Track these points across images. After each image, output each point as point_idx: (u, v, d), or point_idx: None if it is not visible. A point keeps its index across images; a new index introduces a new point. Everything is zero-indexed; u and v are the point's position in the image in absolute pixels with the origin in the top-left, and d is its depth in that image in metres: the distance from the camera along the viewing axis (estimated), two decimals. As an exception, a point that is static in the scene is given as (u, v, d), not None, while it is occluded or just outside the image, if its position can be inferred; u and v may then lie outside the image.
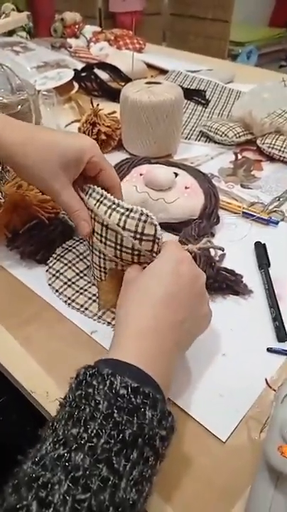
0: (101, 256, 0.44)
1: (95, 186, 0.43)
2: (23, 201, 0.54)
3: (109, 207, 0.41)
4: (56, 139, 0.45)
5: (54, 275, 0.51)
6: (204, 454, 0.35)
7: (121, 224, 0.40)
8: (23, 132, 0.44)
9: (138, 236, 0.39)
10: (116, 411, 0.27)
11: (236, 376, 0.41)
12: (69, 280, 0.50)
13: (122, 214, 0.40)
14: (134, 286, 0.37)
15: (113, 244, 0.41)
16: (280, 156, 0.77)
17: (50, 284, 0.50)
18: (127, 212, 0.40)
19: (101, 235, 0.42)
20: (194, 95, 0.99)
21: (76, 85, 1.00)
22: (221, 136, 0.81)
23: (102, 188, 0.44)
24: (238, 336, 0.45)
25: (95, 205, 0.42)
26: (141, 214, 0.39)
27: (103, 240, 0.42)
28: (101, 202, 0.42)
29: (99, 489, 0.24)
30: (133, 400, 0.27)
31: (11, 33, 1.34)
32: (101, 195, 0.42)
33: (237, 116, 0.82)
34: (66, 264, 0.52)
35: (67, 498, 0.24)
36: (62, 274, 0.51)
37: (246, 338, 0.45)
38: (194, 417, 0.38)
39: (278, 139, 0.77)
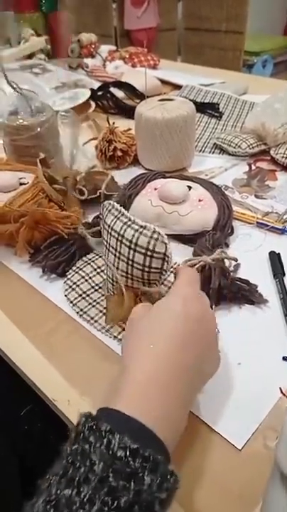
0: (115, 270, 0.45)
1: (114, 203, 0.45)
2: (43, 218, 0.56)
3: (125, 223, 0.42)
4: None
5: (70, 287, 0.53)
6: (220, 461, 0.36)
7: (134, 240, 0.41)
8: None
9: (149, 253, 0.41)
10: (111, 474, 0.25)
11: (252, 385, 0.42)
12: (84, 293, 0.52)
13: (136, 230, 0.41)
14: (139, 327, 0.36)
15: (125, 259, 0.43)
16: (295, 166, 0.77)
17: (66, 295, 0.52)
18: (140, 229, 0.41)
19: (115, 249, 0.44)
20: (207, 109, 1.01)
21: (93, 104, 1.03)
22: (234, 147, 0.82)
23: None
24: (253, 345, 0.46)
25: (112, 220, 0.44)
26: (153, 232, 0.41)
27: (117, 254, 0.43)
28: (118, 218, 0.44)
29: None
30: (131, 463, 0.25)
31: (30, 56, 1.41)
32: (119, 212, 0.44)
33: (250, 128, 0.83)
34: (83, 277, 0.54)
35: None
36: (78, 286, 0.53)
37: (262, 347, 0.46)
38: (209, 425, 0.38)
39: (291, 148, 0.78)
